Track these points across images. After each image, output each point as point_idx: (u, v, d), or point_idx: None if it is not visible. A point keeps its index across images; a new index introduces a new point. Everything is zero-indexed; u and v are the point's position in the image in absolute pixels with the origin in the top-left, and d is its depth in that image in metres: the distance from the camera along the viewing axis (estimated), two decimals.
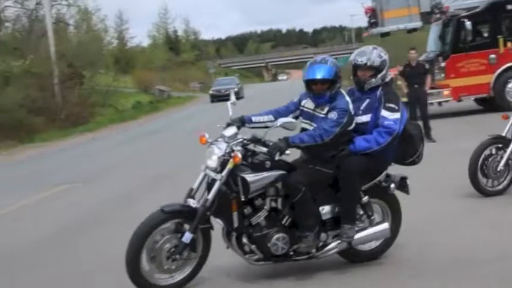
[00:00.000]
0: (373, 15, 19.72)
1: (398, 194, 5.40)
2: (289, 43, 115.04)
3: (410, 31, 19.88)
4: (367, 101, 5.09)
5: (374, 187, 5.16)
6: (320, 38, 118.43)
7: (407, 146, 5.23)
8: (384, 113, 5.01)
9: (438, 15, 18.17)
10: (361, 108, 5.10)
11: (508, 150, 6.79)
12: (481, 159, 6.84)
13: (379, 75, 5.05)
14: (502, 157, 6.85)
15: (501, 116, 7.89)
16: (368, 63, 4.99)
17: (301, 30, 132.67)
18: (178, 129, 22.90)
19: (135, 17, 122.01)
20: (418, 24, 19.24)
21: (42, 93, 26.36)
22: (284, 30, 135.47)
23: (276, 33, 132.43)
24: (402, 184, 5.27)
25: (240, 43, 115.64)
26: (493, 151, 6.92)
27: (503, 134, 6.95)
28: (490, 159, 6.88)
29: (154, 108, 34.34)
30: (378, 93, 5.06)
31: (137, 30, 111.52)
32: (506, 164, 6.84)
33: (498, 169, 6.83)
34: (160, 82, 43.27)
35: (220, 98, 34.79)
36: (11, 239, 7.62)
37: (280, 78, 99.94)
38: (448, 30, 17.20)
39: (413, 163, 5.38)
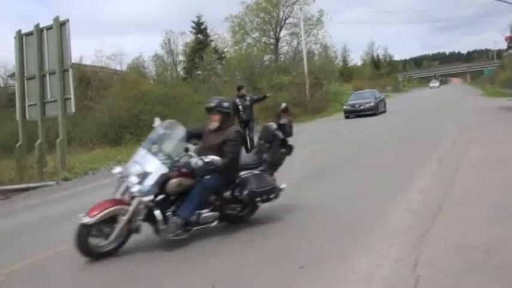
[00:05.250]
0: (511, 41, 22.26)
1: None
2: (450, 61, 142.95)
3: None
4: None
5: None
6: (471, 57, 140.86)
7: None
8: None
9: None
10: None
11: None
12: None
13: None
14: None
15: None
16: None
17: (458, 52, 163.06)
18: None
19: (353, 47, 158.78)
20: None
21: (299, 94, 32.04)
22: (447, 53, 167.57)
23: (442, 55, 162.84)
24: None
25: (418, 62, 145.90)
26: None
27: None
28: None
29: None
30: None
31: (354, 55, 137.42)
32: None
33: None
34: (367, 86, 45.44)
35: (355, 113, 26.41)
36: None
37: (431, 85, 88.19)
38: None
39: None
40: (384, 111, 28.18)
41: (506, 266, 4.03)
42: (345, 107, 27.97)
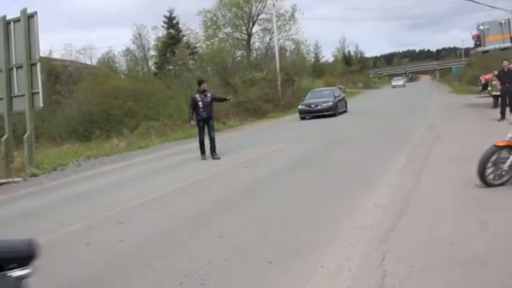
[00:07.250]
0: (478, 39, 21.92)
1: None
2: (420, 58, 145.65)
3: (503, 49, 21.59)
4: None
5: None
6: (440, 54, 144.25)
7: None
8: None
9: None
10: None
11: None
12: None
13: None
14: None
15: None
16: None
17: (428, 50, 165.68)
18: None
19: (325, 43, 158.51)
20: (508, 44, 20.87)
21: (271, 91, 32.22)
22: (417, 50, 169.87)
23: (412, 52, 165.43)
24: None
25: (389, 59, 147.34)
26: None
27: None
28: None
29: None
30: None
31: (326, 51, 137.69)
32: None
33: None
34: (339, 83, 47.09)
35: (311, 114, 24.12)
36: (243, 178, 8.88)
37: (394, 83, 70.96)
38: None
39: None
40: (345, 111, 26.18)
41: (469, 259, 4.11)
42: (300, 106, 25.66)
